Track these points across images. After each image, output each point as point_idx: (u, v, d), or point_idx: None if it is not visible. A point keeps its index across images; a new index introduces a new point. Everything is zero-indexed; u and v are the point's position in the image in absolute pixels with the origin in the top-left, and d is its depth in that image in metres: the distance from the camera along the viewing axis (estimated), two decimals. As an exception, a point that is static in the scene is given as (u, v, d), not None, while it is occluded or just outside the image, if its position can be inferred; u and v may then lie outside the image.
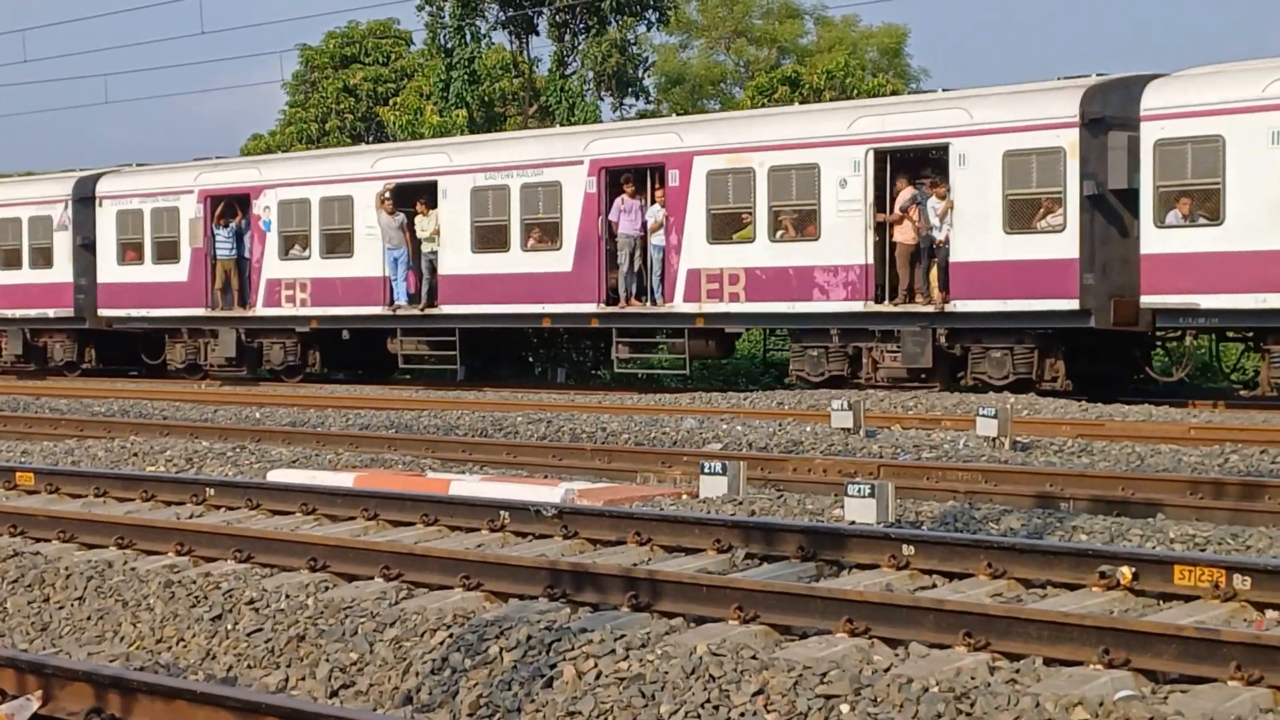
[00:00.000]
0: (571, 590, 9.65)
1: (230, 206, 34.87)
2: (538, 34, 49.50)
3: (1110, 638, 7.92)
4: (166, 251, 35.96)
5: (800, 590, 9.14)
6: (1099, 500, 13.80)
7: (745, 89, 51.27)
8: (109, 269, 37.05)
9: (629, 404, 25.76)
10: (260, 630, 9.34)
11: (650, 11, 48.86)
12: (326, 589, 10.25)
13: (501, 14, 47.98)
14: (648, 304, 29.04)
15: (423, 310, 31.99)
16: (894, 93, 43.72)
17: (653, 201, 29.01)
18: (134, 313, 36.77)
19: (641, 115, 47.63)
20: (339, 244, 33.20)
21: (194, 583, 10.19)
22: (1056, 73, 27.55)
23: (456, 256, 31.33)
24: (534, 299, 30.18)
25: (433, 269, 31.99)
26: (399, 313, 32.27)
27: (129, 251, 36.67)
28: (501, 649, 8.43)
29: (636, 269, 29.15)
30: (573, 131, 32.30)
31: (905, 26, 58.38)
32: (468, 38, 47.64)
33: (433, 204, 31.68)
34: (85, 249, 37.57)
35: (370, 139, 54.91)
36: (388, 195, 32.06)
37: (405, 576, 10.30)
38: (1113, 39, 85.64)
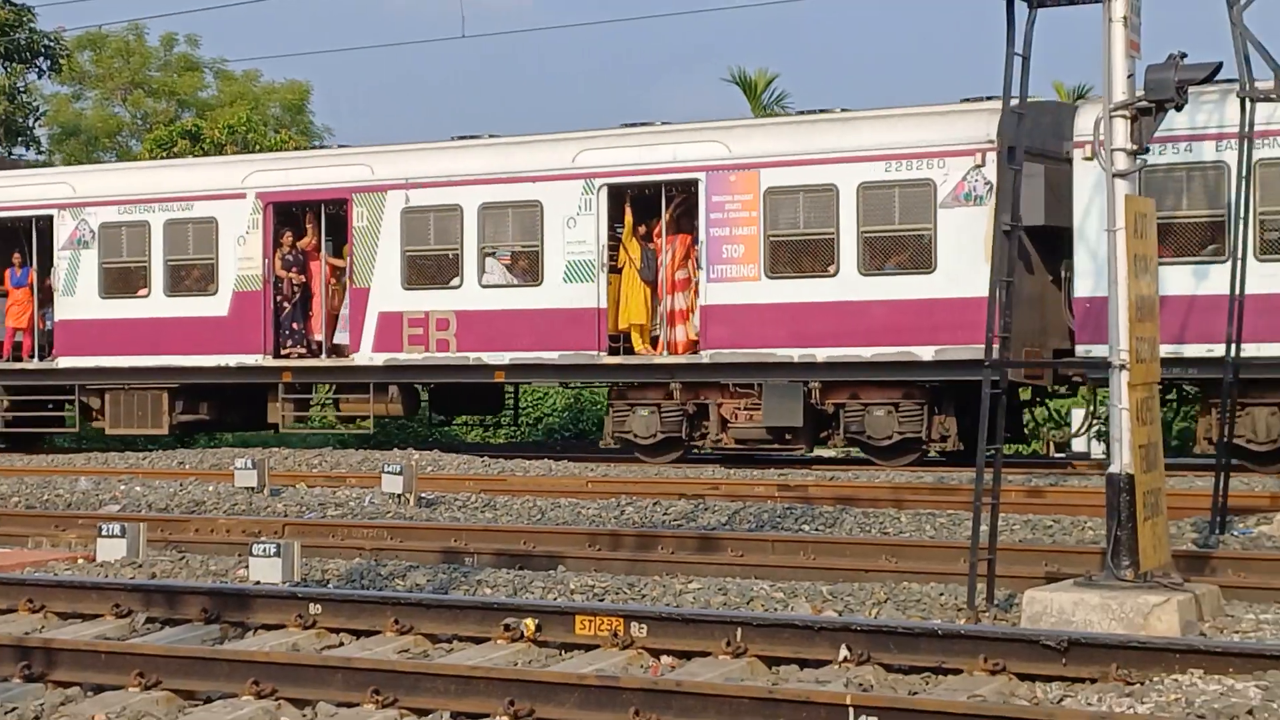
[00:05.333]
0: (-43, 663, 9.12)
1: None
2: (-82, 76, 46.96)
3: (516, 689, 8.07)
4: None
5: (204, 653, 8.94)
6: (503, 554, 14.05)
7: (144, 142, 50.02)
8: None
9: (19, 465, 24.62)
10: None
11: (41, 59, 47.08)
12: None
13: (-122, 53, 45.31)
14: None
15: None
16: (298, 148, 43.46)
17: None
18: (1191, 350, 19.61)
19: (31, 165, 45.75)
20: None
21: None
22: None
23: None
24: None
25: None
26: None
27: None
28: (-123, 729, 7.88)
29: None
30: None
31: (308, 83, 58.22)
32: None
33: None
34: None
35: None
36: None
37: None
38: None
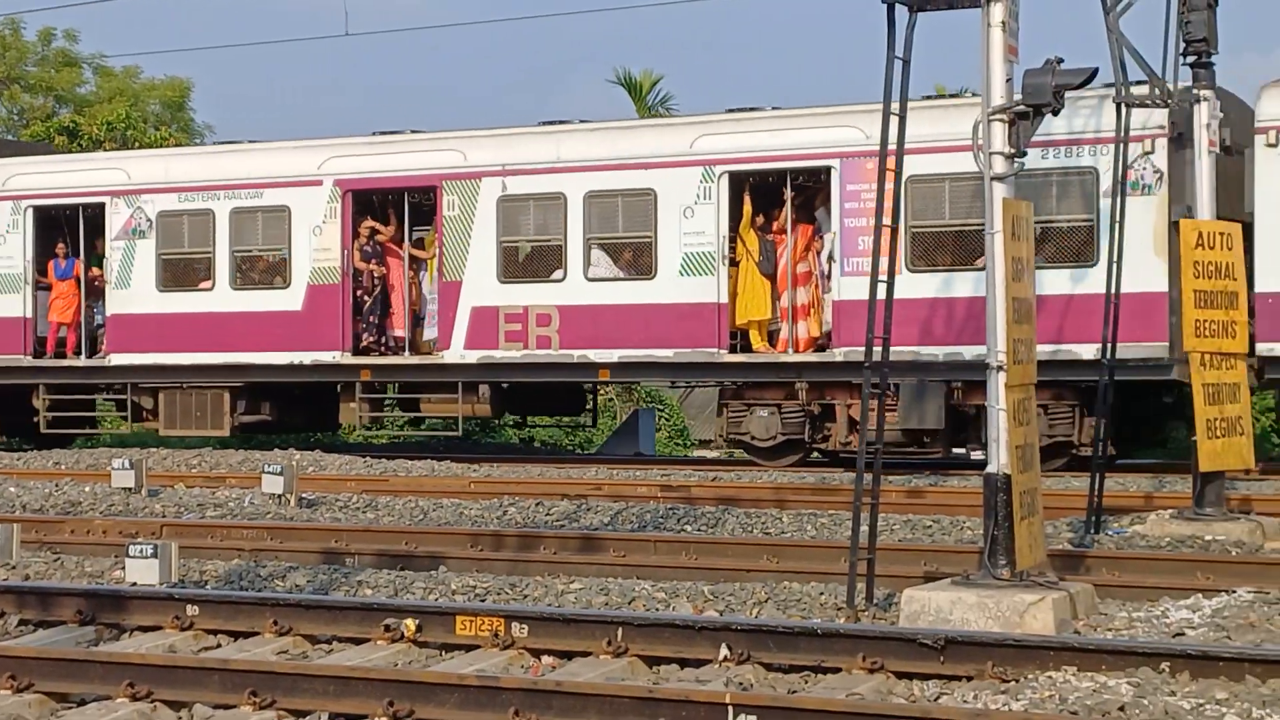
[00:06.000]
0: None
1: None
2: None
3: (395, 690, 8.03)
4: None
5: (78, 655, 8.83)
6: (384, 555, 13.98)
7: (19, 138, 49.24)
8: None
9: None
10: None
11: (-85, 52, 46.28)
12: None
13: None
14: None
15: None
16: (178, 144, 43.01)
17: None
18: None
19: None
20: None
21: None
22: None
23: None
24: None
25: None
26: None
27: None
28: None
29: None
30: None
31: (189, 80, 57.58)
32: None
33: None
34: None
35: None
36: None
37: None
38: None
